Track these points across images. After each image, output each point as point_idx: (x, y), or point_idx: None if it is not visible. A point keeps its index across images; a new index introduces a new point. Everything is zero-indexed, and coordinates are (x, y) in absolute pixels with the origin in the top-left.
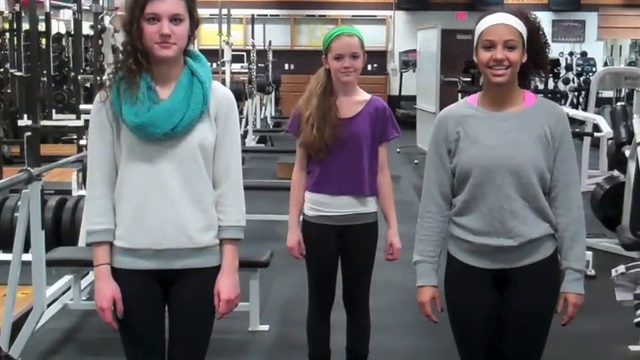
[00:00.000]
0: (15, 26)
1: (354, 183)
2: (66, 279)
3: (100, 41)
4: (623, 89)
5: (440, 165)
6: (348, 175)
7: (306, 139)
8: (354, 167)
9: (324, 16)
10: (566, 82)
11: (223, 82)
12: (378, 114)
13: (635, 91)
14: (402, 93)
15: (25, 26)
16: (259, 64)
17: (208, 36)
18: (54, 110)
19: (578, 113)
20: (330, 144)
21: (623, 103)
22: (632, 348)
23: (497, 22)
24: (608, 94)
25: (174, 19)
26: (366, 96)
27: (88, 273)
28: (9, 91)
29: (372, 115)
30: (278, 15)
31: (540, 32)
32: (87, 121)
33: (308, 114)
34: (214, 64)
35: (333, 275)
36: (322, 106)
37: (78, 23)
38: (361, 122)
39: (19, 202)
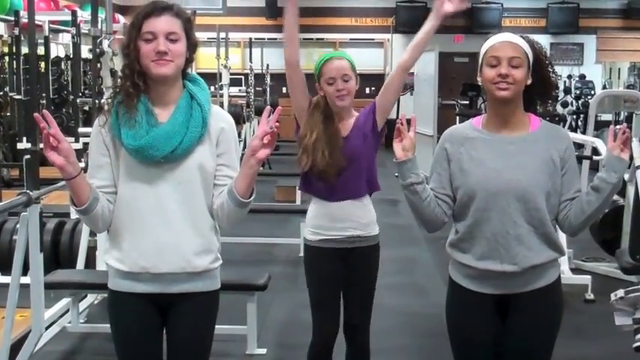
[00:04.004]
0: (14, 50)
1: (354, 190)
2: (64, 302)
3: (98, 65)
4: (622, 112)
5: (441, 171)
6: (349, 186)
7: (319, 165)
8: (354, 180)
9: (322, 39)
10: (565, 105)
11: (221, 106)
12: (365, 112)
13: (634, 115)
14: (400, 115)
15: (24, 50)
16: (257, 88)
17: (206, 59)
18: None
19: (577, 136)
20: (341, 167)
21: (619, 125)
22: None
23: (503, 40)
24: (607, 117)
25: (171, 37)
26: (356, 113)
27: (86, 296)
28: (8, 114)
29: (361, 122)
30: (276, 38)
31: (547, 62)
32: (85, 144)
33: (314, 140)
34: (212, 88)
35: (337, 300)
36: (328, 131)
37: (77, 47)
38: (356, 137)
39: (18, 225)
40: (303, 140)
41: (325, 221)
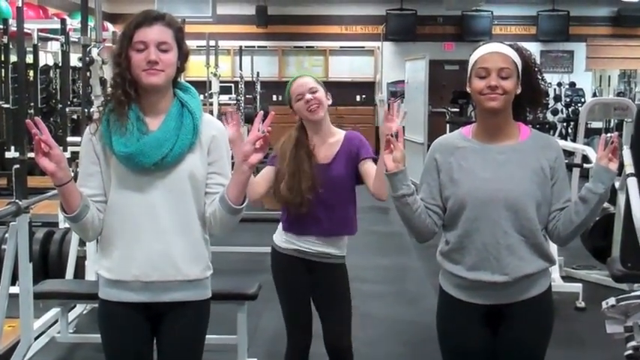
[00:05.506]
0: (3, 58)
1: (340, 225)
2: (53, 312)
3: (88, 73)
4: (612, 120)
5: (431, 181)
6: (333, 217)
7: (284, 196)
8: (337, 210)
9: (312, 47)
10: (555, 112)
11: (211, 114)
12: (352, 144)
13: (624, 122)
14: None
15: (13, 58)
16: (247, 96)
17: (196, 67)
18: None
19: (567, 144)
20: (309, 197)
21: (611, 134)
22: None
23: (491, 50)
24: (597, 124)
25: (162, 47)
26: (340, 134)
27: (75, 306)
28: None
29: (347, 152)
30: (266, 46)
31: (536, 69)
32: (74, 153)
33: (283, 169)
34: (202, 96)
35: (307, 307)
36: (295, 160)
37: (66, 55)
38: (338, 166)
39: (7, 235)
40: (279, 171)
41: (298, 231)
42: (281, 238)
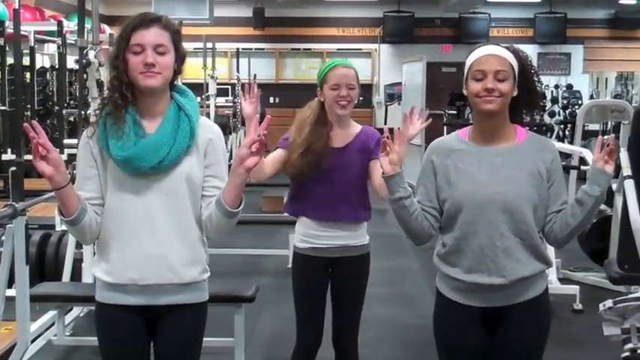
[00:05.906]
0: None
1: (348, 210)
2: (50, 314)
3: (84, 75)
4: (609, 122)
5: (427, 183)
6: (341, 203)
7: (293, 164)
8: (346, 195)
9: (309, 49)
10: (552, 114)
11: (208, 116)
12: (370, 139)
13: (621, 124)
14: (388, 126)
15: (10, 60)
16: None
17: (193, 70)
18: None
19: (565, 146)
20: (316, 172)
21: (608, 136)
22: None
23: (488, 52)
24: (595, 126)
25: (159, 49)
26: (358, 127)
27: (72, 309)
28: None
29: (363, 143)
30: (263, 49)
31: (532, 71)
32: (70, 156)
33: (300, 141)
34: (198, 98)
35: (322, 310)
36: (313, 135)
37: (62, 57)
38: (351, 153)
39: (3, 237)
40: (294, 142)
41: (314, 230)
42: (298, 237)
